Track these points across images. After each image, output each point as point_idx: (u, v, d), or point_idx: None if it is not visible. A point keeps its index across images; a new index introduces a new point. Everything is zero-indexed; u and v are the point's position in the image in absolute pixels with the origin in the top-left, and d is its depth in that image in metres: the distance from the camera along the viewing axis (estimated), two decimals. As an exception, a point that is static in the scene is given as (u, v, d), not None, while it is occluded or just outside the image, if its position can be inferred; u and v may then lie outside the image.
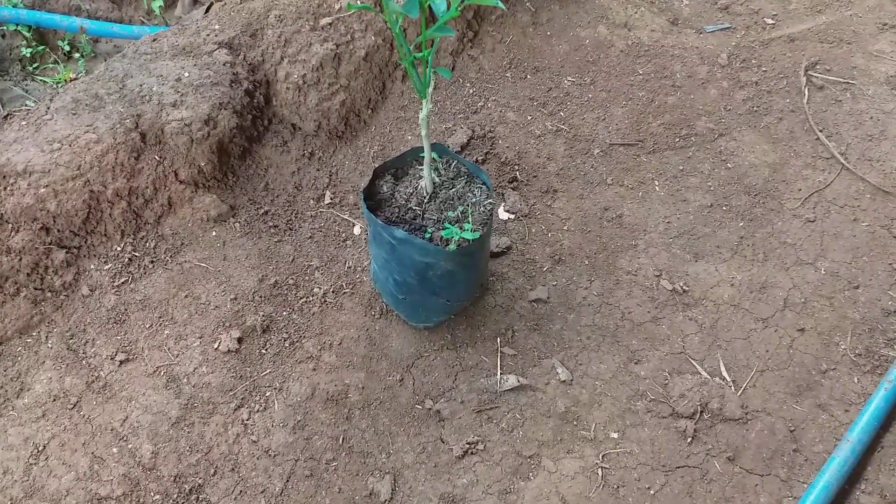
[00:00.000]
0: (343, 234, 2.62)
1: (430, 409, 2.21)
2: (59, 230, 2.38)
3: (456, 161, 2.23)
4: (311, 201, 2.70)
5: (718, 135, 2.87)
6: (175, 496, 2.04)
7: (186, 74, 2.62)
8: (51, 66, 3.54)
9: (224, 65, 2.69)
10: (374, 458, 2.12)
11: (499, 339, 2.34)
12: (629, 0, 3.34)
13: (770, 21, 3.28)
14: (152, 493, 2.04)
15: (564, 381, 2.25)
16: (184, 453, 2.10)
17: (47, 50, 3.58)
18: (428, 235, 2.06)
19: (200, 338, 2.32)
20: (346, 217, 2.67)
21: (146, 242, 2.49)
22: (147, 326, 2.34)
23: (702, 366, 2.27)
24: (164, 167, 2.50)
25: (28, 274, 2.33)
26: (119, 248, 2.46)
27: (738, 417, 2.14)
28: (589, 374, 2.27)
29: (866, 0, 3.30)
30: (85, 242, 2.43)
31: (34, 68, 3.53)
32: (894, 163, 2.70)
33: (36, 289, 2.35)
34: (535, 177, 2.78)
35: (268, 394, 2.22)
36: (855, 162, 2.73)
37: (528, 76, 3.11)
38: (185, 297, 2.40)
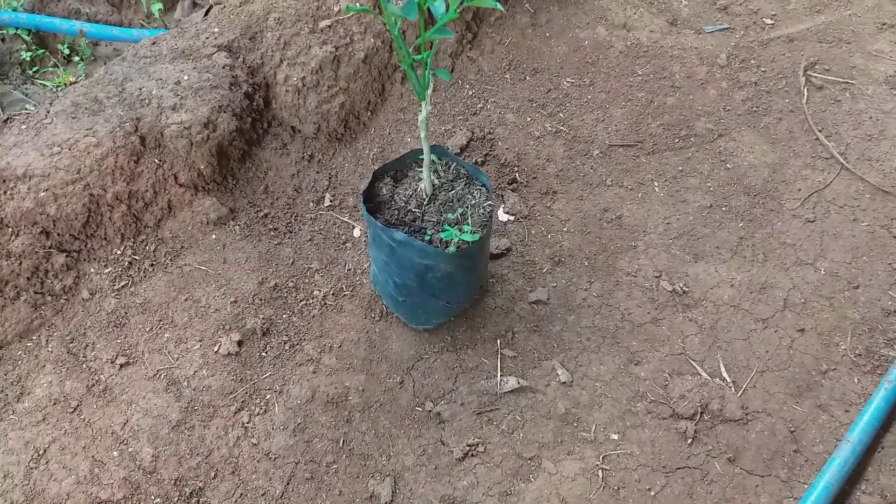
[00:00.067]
0: (343, 237, 2.62)
1: (430, 411, 2.21)
2: (59, 234, 2.38)
3: (455, 163, 2.23)
4: (311, 204, 2.70)
5: (718, 135, 2.87)
6: (176, 499, 2.04)
7: (186, 77, 2.62)
8: (50, 69, 3.54)
9: (223, 68, 2.70)
10: (375, 461, 2.12)
11: (499, 341, 2.34)
12: (628, 1, 3.34)
13: (769, 21, 3.28)
14: (153, 497, 2.04)
15: (564, 382, 2.25)
16: (184, 456, 2.10)
17: (47, 53, 3.58)
18: (427, 237, 2.06)
19: (200, 341, 2.32)
20: (345, 219, 2.67)
21: (146, 246, 2.49)
22: (147, 330, 2.34)
23: (702, 367, 2.27)
24: (164, 170, 2.50)
25: (28, 278, 2.34)
26: (119, 252, 2.46)
27: (739, 418, 2.14)
28: (589, 375, 2.27)
29: (865, 0, 3.30)
30: (85, 246, 2.44)
31: (34, 72, 3.53)
32: (894, 162, 2.70)
33: (36, 293, 2.35)
34: (534, 178, 2.79)
35: (268, 397, 2.23)
36: (854, 162, 2.73)
37: (528, 77, 3.11)
38: (185, 300, 2.40)
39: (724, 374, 2.25)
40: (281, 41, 2.80)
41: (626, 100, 3.00)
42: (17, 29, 3.50)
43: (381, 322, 2.39)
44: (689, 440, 2.11)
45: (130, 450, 2.11)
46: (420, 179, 2.16)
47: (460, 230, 2.04)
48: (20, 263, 2.32)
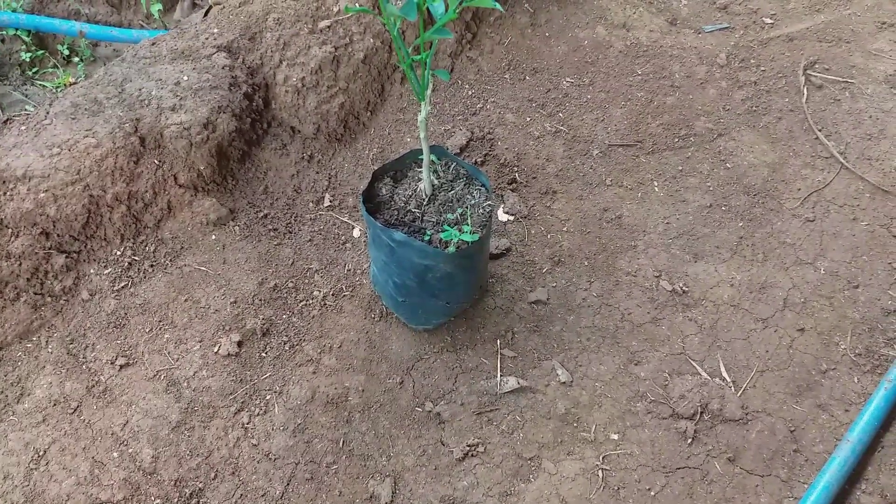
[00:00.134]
0: (342, 237, 2.62)
1: (430, 411, 2.21)
2: (58, 235, 2.38)
3: (455, 163, 2.23)
4: (311, 204, 2.70)
5: (717, 135, 2.87)
6: (176, 500, 2.04)
7: (185, 78, 2.63)
8: (50, 70, 3.55)
9: (223, 68, 2.70)
10: (375, 461, 2.12)
11: (499, 341, 2.34)
12: (627, 0, 3.34)
13: (769, 20, 3.28)
14: (153, 498, 2.04)
15: (564, 382, 2.25)
16: (184, 457, 2.11)
17: (47, 54, 3.58)
18: (427, 238, 2.06)
19: (200, 342, 2.32)
20: (345, 220, 2.67)
21: (146, 246, 2.49)
22: (147, 331, 2.34)
23: (702, 366, 2.27)
24: (164, 171, 2.50)
25: (28, 279, 2.34)
26: (119, 253, 2.46)
27: (739, 418, 2.14)
28: (589, 375, 2.27)
29: (865, -1, 3.30)
30: (85, 247, 2.44)
31: (34, 73, 3.53)
32: (893, 162, 2.70)
33: (36, 294, 2.35)
34: (534, 178, 2.79)
35: (268, 397, 2.23)
36: (854, 161, 2.73)
37: (527, 77, 3.11)
38: (185, 300, 2.40)
39: (724, 374, 2.25)
40: (280, 42, 2.80)
41: (626, 99, 3.00)
42: (16, 30, 3.50)
43: (380, 322, 2.39)
44: (689, 440, 2.11)
45: (130, 451, 2.11)
46: (420, 180, 2.16)
47: (460, 230, 2.04)
48: (20, 264, 2.32)
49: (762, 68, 3.06)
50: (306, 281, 2.49)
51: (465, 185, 2.19)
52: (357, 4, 2.88)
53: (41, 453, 2.10)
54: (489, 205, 2.13)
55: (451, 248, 2.03)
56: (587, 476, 2.07)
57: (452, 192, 2.17)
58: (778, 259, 2.50)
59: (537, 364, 2.30)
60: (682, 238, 2.59)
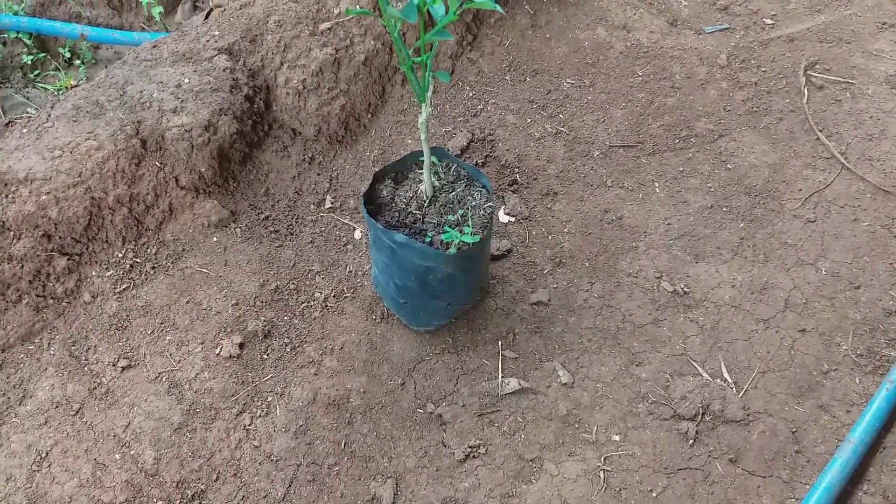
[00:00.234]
0: (344, 239, 2.63)
1: (431, 412, 2.21)
2: (60, 237, 2.39)
3: (456, 164, 2.24)
4: (312, 206, 2.71)
5: (718, 136, 2.87)
6: (178, 502, 2.04)
7: (186, 80, 2.63)
8: (52, 73, 3.55)
9: (224, 70, 2.70)
10: (376, 463, 2.12)
11: (500, 343, 2.34)
12: (628, 2, 3.34)
13: (769, 21, 3.28)
14: (155, 499, 2.04)
15: (566, 383, 2.25)
16: (186, 459, 2.11)
17: (48, 57, 3.59)
18: (428, 239, 2.07)
19: (202, 343, 2.32)
20: (346, 221, 2.68)
21: (147, 248, 2.50)
22: (149, 332, 2.34)
23: (703, 367, 2.27)
24: (165, 173, 2.51)
25: (30, 281, 2.34)
26: (120, 255, 2.47)
27: (740, 419, 2.14)
28: (590, 376, 2.27)
29: (865, 0, 3.31)
30: (86, 249, 2.44)
31: (35, 75, 3.54)
32: (894, 162, 2.70)
33: (38, 296, 2.36)
34: (535, 179, 2.79)
35: (269, 399, 2.23)
36: (855, 162, 2.73)
37: (528, 79, 3.11)
38: (187, 302, 2.41)
39: (726, 375, 2.25)
40: (281, 44, 2.81)
41: (627, 101, 3.00)
42: (18, 33, 3.51)
43: (382, 324, 2.39)
44: (691, 441, 2.11)
45: (132, 452, 2.12)
46: (421, 181, 2.16)
47: (461, 232, 2.04)
48: (22, 267, 2.32)
49: (763, 69, 3.07)
50: (307, 283, 2.49)
51: (465, 186, 2.19)
52: (358, 6, 2.89)
53: (43, 455, 2.11)
54: (490, 206, 2.13)
55: (453, 250, 2.03)
56: (589, 477, 2.07)
57: (453, 193, 2.17)
58: (779, 260, 2.50)
59: (538, 365, 2.30)
60: (683, 239, 2.59)
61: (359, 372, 2.28)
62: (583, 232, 2.63)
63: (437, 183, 2.18)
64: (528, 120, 2.97)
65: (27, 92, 3.45)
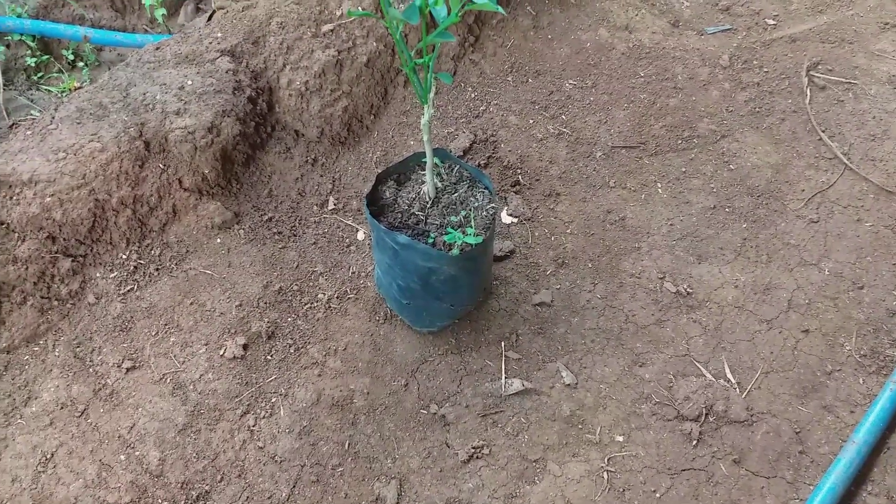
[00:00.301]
0: (347, 240, 2.63)
1: (435, 413, 2.21)
2: (64, 239, 2.39)
3: (458, 165, 2.24)
4: (315, 207, 2.71)
5: (720, 136, 2.87)
6: (182, 503, 2.05)
7: (189, 82, 2.64)
8: (55, 75, 3.56)
9: (227, 72, 2.71)
10: (380, 463, 2.13)
11: (503, 344, 2.35)
12: (630, 2, 3.34)
13: (771, 22, 3.28)
14: (160, 500, 2.05)
15: (569, 384, 2.25)
16: (190, 460, 2.11)
17: (52, 59, 3.60)
18: (431, 240, 2.07)
19: (206, 345, 2.33)
20: (349, 223, 2.68)
21: (151, 250, 2.51)
22: (153, 334, 2.35)
23: (706, 368, 2.27)
24: (169, 175, 2.51)
25: (34, 283, 2.35)
26: (124, 256, 2.48)
27: (744, 419, 2.14)
28: (593, 377, 2.27)
29: (867, 0, 3.30)
30: (91, 251, 2.45)
31: (39, 78, 3.55)
32: (897, 162, 2.70)
33: (42, 297, 2.37)
34: (537, 180, 2.79)
35: (273, 400, 2.23)
36: (858, 162, 2.72)
37: (530, 80, 3.12)
38: (191, 304, 2.41)
39: (729, 376, 2.25)
40: (284, 45, 2.81)
41: (629, 101, 3.01)
42: (21, 35, 3.52)
43: (385, 325, 2.40)
44: (695, 442, 2.11)
45: (137, 453, 2.12)
46: (423, 182, 2.17)
47: (463, 233, 2.04)
48: (27, 268, 2.33)
49: (765, 69, 3.07)
50: (311, 284, 2.50)
51: (468, 187, 2.19)
52: (360, 8, 2.89)
53: (49, 456, 2.11)
54: (493, 207, 2.14)
55: (455, 251, 2.03)
56: (592, 478, 2.07)
57: (456, 194, 2.17)
58: (782, 260, 2.50)
59: (542, 366, 2.30)
60: (685, 239, 2.59)
61: (362, 373, 2.29)
62: (585, 233, 2.63)
63: (439, 184, 2.18)
64: (531, 121, 2.98)
65: (31, 94, 3.46)
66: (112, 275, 2.45)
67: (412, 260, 2.05)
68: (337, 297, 2.46)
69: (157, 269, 2.48)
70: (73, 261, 2.41)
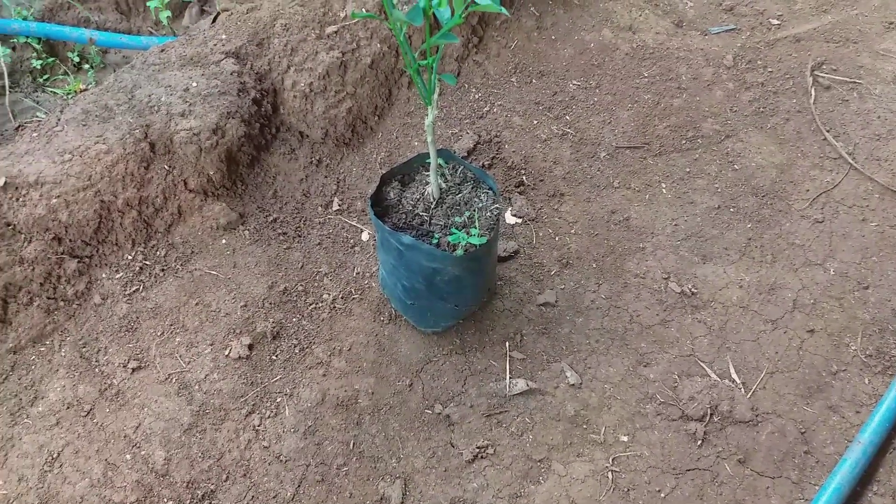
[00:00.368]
0: (351, 241, 2.64)
1: (439, 413, 2.22)
2: (70, 240, 2.41)
3: (462, 166, 2.24)
4: (320, 208, 2.72)
5: (725, 136, 2.87)
6: (188, 502, 2.05)
7: (194, 84, 2.65)
8: (61, 77, 3.58)
9: (231, 74, 2.72)
10: (385, 463, 2.13)
11: (507, 344, 2.35)
12: (633, 3, 3.34)
13: (775, 21, 3.28)
14: (165, 500, 2.06)
15: (573, 384, 2.25)
16: (196, 459, 2.12)
17: (57, 61, 3.62)
18: (435, 241, 2.07)
19: (211, 345, 2.33)
20: (354, 223, 2.69)
21: (157, 251, 2.52)
22: (158, 334, 2.36)
23: (711, 368, 2.27)
24: (174, 176, 2.52)
25: (41, 283, 2.36)
26: (130, 257, 2.49)
27: (749, 420, 2.14)
28: (598, 377, 2.27)
29: (872, -1, 3.30)
30: (96, 252, 2.46)
31: (45, 80, 3.57)
32: (902, 162, 2.69)
33: (49, 298, 2.38)
34: (541, 181, 2.79)
35: (278, 400, 2.24)
36: (863, 162, 2.72)
37: (534, 80, 3.12)
38: (196, 304, 2.42)
39: (734, 376, 2.24)
40: (288, 47, 2.82)
41: (633, 102, 3.01)
42: (27, 37, 3.54)
43: (389, 325, 2.40)
44: (699, 442, 2.11)
45: (143, 453, 2.13)
46: (427, 183, 2.17)
47: (468, 233, 2.05)
48: (33, 269, 2.34)
49: (769, 69, 3.06)
50: (316, 284, 2.51)
51: (472, 188, 2.20)
52: (364, 10, 2.90)
53: (55, 456, 2.12)
54: (497, 208, 2.14)
55: (460, 251, 2.03)
56: (597, 478, 2.07)
57: (460, 195, 2.18)
58: (787, 260, 2.50)
59: (546, 366, 2.30)
60: (690, 240, 2.59)
61: (367, 373, 2.29)
62: (590, 233, 2.63)
63: (443, 185, 2.19)
64: (535, 121, 2.98)
65: (37, 96, 3.47)
66: (118, 275, 2.46)
67: (417, 260, 2.06)
68: (342, 298, 2.47)
69: (163, 270, 2.49)
70: (79, 262, 2.42)
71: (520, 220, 2.67)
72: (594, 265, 2.54)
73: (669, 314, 2.40)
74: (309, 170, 2.79)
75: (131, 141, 2.46)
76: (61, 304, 2.39)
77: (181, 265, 2.51)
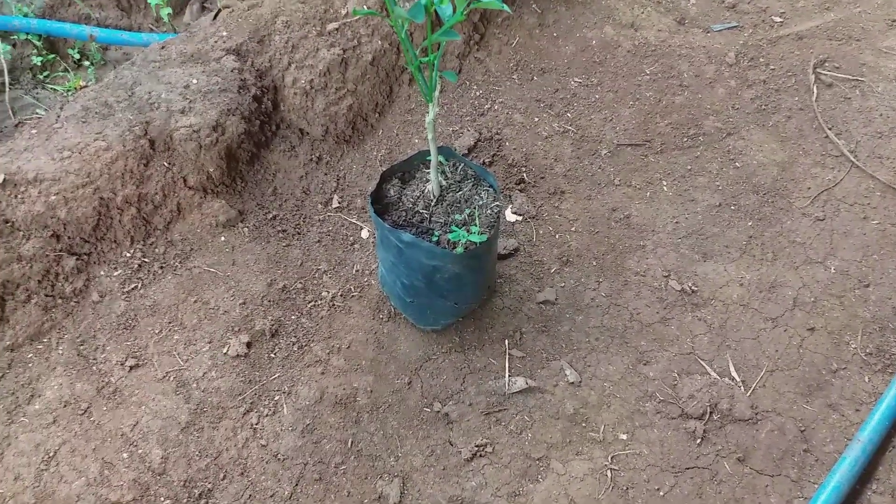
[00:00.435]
0: (351, 238, 2.63)
1: (438, 411, 2.21)
2: (69, 237, 2.40)
3: (463, 164, 2.24)
4: (319, 205, 2.71)
5: (726, 134, 2.86)
6: (185, 501, 2.05)
7: (195, 81, 2.64)
8: (61, 74, 3.58)
9: (232, 71, 2.71)
10: (383, 462, 2.13)
11: (507, 342, 2.34)
12: (635, 0, 3.33)
13: (778, 19, 3.27)
14: (162, 498, 2.05)
15: (573, 382, 2.24)
16: (193, 458, 2.12)
17: (57, 58, 3.61)
18: (435, 238, 2.07)
19: (210, 342, 2.33)
20: (353, 221, 2.68)
21: (155, 248, 2.51)
22: (156, 332, 2.35)
23: (711, 366, 2.26)
24: (173, 173, 2.52)
25: (39, 281, 2.36)
26: (129, 255, 2.48)
27: (748, 418, 2.13)
28: (597, 375, 2.26)
29: (875, -4, 3.28)
30: (95, 249, 2.46)
31: (45, 77, 3.56)
32: (905, 160, 2.68)
33: (47, 295, 2.37)
34: (542, 178, 2.78)
35: (277, 398, 2.23)
36: (864, 159, 2.71)
37: (535, 78, 3.11)
38: (195, 302, 2.42)
39: (734, 374, 2.24)
40: (289, 44, 2.81)
41: (635, 99, 3.00)
42: (27, 34, 3.53)
43: (389, 323, 2.39)
44: (699, 440, 2.10)
45: (140, 451, 2.13)
46: (428, 180, 2.17)
47: (468, 231, 2.04)
48: (31, 266, 2.34)
49: (771, 67, 3.05)
50: (315, 282, 2.50)
51: (472, 185, 2.19)
52: (365, 7, 2.89)
53: (51, 454, 2.12)
54: (497, 205, 2.13)
55: (460, 249, 2.03)
56: (596, 476, 2.06)
57: (460, 192, 2.17)
58: (788, 258, 2.49)
59: (545, 364, 2.29)
60: (691, 237, 2.58)
61: (366, 371, 2.28)
62: (590, 231, 2.62)
63: (444, 182, 2.18)
64: (536, 119, 2.97)
65: (37, 93, 3.47)
66: (116, 273, 2.45)
67: (416, 258, 2.05)
68: (341, 296, 2.46)
69: (162, 268, 2.48)
70: (77, 259, 2.42)
71: (520, 218, 2.66)
72: (594, 263, 2.53)
73: (669, 312, 2.39)
74: (309, 167, 2.78)
75: (131, 138, 2.45)
76: (59, 301, 2.39)
77: (180, 262, 2.50)
